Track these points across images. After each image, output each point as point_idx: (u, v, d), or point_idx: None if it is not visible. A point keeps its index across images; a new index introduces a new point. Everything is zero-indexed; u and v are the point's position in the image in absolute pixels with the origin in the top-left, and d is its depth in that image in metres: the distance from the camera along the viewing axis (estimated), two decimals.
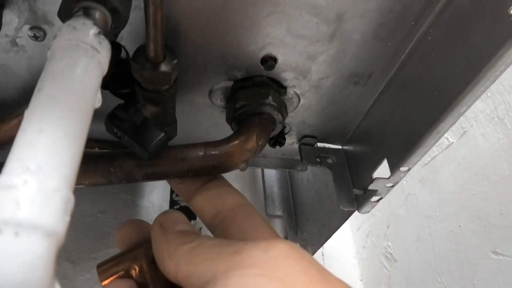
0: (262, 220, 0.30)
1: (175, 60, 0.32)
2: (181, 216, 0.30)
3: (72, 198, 0.19)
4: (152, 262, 0.29)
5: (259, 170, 0.69)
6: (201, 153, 0.35)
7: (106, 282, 0.29)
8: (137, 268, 0.30)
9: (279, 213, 0.62)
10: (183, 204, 0.59)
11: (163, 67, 0.31)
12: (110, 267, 0.30)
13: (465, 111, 0.30)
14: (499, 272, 0.45)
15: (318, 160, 0.46)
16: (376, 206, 0.43)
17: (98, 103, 0.25)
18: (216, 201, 0.32)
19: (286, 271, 0.21)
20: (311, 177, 0.57)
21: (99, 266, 0.30)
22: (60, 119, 0.20)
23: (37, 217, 0.17)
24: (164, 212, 0.30)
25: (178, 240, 0.26)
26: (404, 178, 0.39)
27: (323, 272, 0.22)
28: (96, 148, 0.42)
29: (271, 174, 0.67)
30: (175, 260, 0.25)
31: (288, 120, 0.44)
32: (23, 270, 0.16)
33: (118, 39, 0.34)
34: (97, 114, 0.42)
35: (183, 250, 0.25)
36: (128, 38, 0.34)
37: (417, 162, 0.35)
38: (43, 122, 0.20)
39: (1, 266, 0.16)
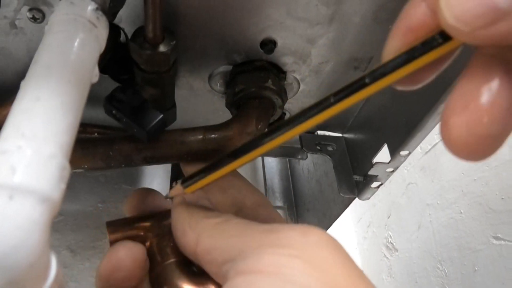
0: (284, 221, 0.29)
1: (174, 42, 0.32)
2: (203, 193, 0.29)
3: (68, 166, 0.19)
4: (165, 234, 0.28)
5: (259, 161, 0.69)
6: (200, 137, 0.35)
7: (114, 238, 0.28)
8: (150, 235, 0.29)
9: (280, 204, 0.62)
10: None
11: (162, 48, 0.31)
12: (122, 228, 0.29)
13: None
14: (500, 257, 0.45)
15: (318, 147, 0.46)
16: (376, 196, 0.43)
17: (95, 78, 0.25)
18: (237, 198, 0.30)
19: (326, 259, 0.20)
20: (312, 166, 0.57)
21: (109, 225, 0.29)
22: (56, 88, 0.20)
23: (32, 182, 0.17)
24: (184, 181, 0.29)
25: (201, 213, 0.25)
26: (405, 167, 0.39)
27: (358, 269, 0.21)
28: (96, 134, 0.42)
29: (272, 165, 0.67)
30: (197, 232, 0.24)
31: (288, 106, 0.44)
32: (17, 233, 0.16)
33: (117, 21, 0.34)
34: (96, 99, 0.42)
35: (207, 223, 0.24)
36: (127, 20, 0.34)
37: (418, 145, 0.35)
38: (39, 90, 0.20)
39: None
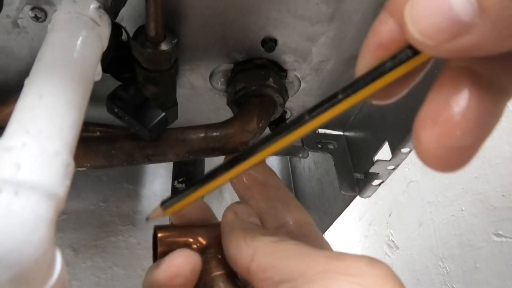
0: (327, 243, 0.29)
1: (176, 40, 0.32)
2: (253, 211, 0.29)
3: (72, 163, 0.19)
4: (214, 244, 0.28)
5: None
6: (202, 135, 0.36)
7: (164, 244, 0.28)
8: (199, 245, 0.28)
9: None
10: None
11: (163, 46, 0.31)
12: (172, 235, 0.28)
13: None
14: (501, 254, 0.45)
15: (319, 145, 0.46)
16: (377, 195, 0.43)
17: (98, 76, 0.25)
18: (280, 212, 0.29)
19: None
20: (313, 165, 0.57)
21: (159, 228, 0.28)
22: (60, 86, 0.20)
23: (37, 178, 0.17)
24: (237, 202, 0.29)
25: (256, 230, 0.25)
26: (406, 165, 0.39)
27: None
28: (98, 132, 0.42)
29: (273, 164, 0.67)
30: (253, 248, 0.23)
31: (288, 105, 0.44)
32: (23, 229, 0.16)
33: (119, 20, 0.34)
34: (98, 98, 0.42)
35: (264, 241, 0.24)
36: (129, 19, 0.34)
37: None
38: (43, 88, 0.20)
39: (0, 224, 0.16)
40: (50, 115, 0.19)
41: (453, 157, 0.15)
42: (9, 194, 0.16)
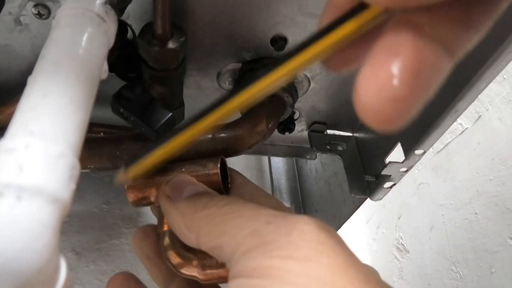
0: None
1: (183, 38, 0.31)
2: (185, 178, 0.29)
3: (77, 165, 0.18)
4: None
5: (266, 161, 0.68)
6: (210, 136, 0.34)
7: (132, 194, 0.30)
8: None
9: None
10: None
11: (171, 44, 0.30)
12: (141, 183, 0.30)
13: (484, 87, 0.29)
14: None
15: (328, 147, 0.45)
16: (386, 197, 0.42)
17: (104, 74, 0.24)
18: None
19: (311, 251, 0.20)
20: (320, 167, 0.56)
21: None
22: (64, 85, 0.19)
23: (41, 182, 0.16)
24: (167, 182, 0.28)
25: (191, 209, 0.25)
26: (416, 167, 0.38)
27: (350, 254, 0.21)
28: (102, 133, 0.41)
29: (279, 166, 0.66)
30: (195, 231, 0.24)
31: (297, 105, 0.43)
32: (24, 236, 0.15)
33: (124, 18, 0.33)
34: (102, 98, 0.41)
35: (200, 220, 0.24)
36: (134, 16, 0.33)
37: (433, 144, 0.34)
38: (47, 87, 0.19)
39: (2, 231, 0.15)
40: (54, 115, 0.18)
41: (388, 109, 0.14)
42: (11, 198, 0.15)
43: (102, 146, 0.35)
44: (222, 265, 0.26)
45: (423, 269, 0.60)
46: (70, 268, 0.53)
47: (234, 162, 0.69)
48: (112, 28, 0.24)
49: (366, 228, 0.78)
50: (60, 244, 0.17)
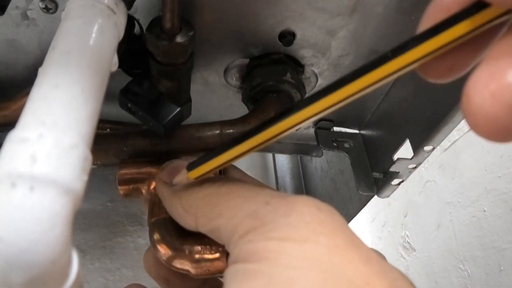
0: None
1: (192, 32, 0.30)
2: (180, 162, 0.29)
3: (90, 157, 0.18)
4: None
5: (271, 159, 0.68)
6: (217, 132, 0.34)
7: (122, 177, 0.31)
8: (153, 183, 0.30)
9: None
10: None
11: (179, 39, 0.30)
12: (131, 168, 0.31)
13: None
14: None
15: (335, 144, 0.44)
16: (392, 195, 0.42)
17: (114, 67, 0.24)
18: None
19: (309, 232, 0.19)
20: (325, 164, 0.56)
21: (121, 163, 0.32)
22: (76, 75, 0.19)
23: (54, 172, 0.16)
24: (163, 167, 0.28)
25: (188, 190, 0.24)
26: (423, 164, 0.38)
27: (350, 236, 0.20)
28: (108, 130, 0.41)
29: (283, 164, 0.66)
30: (193, 212, 0.23)
31: None
32: (38, 227, 0.15)
33: (132, 12, 0.32)
34: (108, 94, 0.41)
35: (197, 201, 0.24)
36: (142, 11, 0.33)
37: (443, 140, 0.34)
38: (58, 78, 0.19)
39: (15, 221, 0.15)
40: (67, 106, 0.18)
41: (506, 118, 0.13)
42: (24, 189, 0.15)
43: (108, 142, 0.35)
44: (218, 258, 0.26)
45: (430, 268, 0.60)
46: None
47: (239, 161, 0.69)
48: (122, 20, 0.24)
49: (371, 226, 0.78)
50: (72, 237, 0.17)
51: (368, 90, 0.17)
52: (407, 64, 0.15)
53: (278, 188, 0.64)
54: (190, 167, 0.24)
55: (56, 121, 0.17)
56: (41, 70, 0.19)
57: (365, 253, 0.20)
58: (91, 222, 0.51)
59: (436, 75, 0.16)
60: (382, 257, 0.23)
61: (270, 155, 0.68)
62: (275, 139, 0.21)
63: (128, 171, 0.30)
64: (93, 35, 0.21)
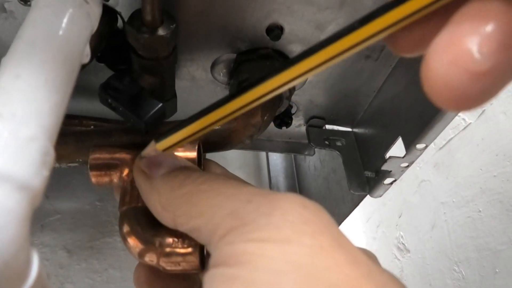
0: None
1: (174, 25, 0.29)
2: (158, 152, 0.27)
3: (51, 151, 0.17)
4: None
5: (264, 159, 0.67)
6: None
7: (94, 162, 0.29)
8: (126, 170, 0.28)
9: None
10: None
11: (161, 32, 0.29)
12: (104, 153, 0.29)
13: None
14: None
15: (326, 142, 0.43)
16: (386, 195, 0.41)
17: (86, 58, 0.22)
18: None
19: (292, 232, 0.18)
20: (319, 164, 0.55)
21: (93, 147, 0.30)
22: (40, 66, 0.18)
23: (8, 166, 0.15)
24: (141, 157, 0.27)
25: (167, 186, 0.23)
26: (417, 164, 0.37)
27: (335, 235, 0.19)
28: (92, 127, 0.40)
29: (277, 163, 0.65)
30: (171, 210, 0.22)
31: (295, 99, 0.42)
32: None
33: (113, 4, 0.31)
34: (92, 90, 0.39)
35: (176, 199, 0.22)
36: (124, 3, 0.32)
37: (435, 137, 0.33)
38: (20, 68, 0.18)
39: None
40: (27, 97, 0.17)
41: (466, 84, 0.12)
42: None
43: (91, 139, 0.34)
44: (190, 253, 0.24)
45: (424, 269, 0.59)
46: (61, 266, 0.51)
47: (232, 159, 0.68)
48: (95, 10, 0.23)
49: (365, 227, 0.77)
50: (30, 236, 0.16)
51: (335, 60, 0.16)
52: (374, 33, 0.15)
53: (271, 187, 0.63)
54: (158, 138, 0.23)
55: (14, 113, 0.16)
56: (3, 60, 0.18)
57: (352, 255, 0.19)
58: (78, 222, 0.50)
59: (405, 48, 0.16)
60: (372, 258, 0.21)
61: (263, 154, 0.67)
62: (245, 109, 0.20)
63: (101, 156, 0.29)
64: (62, 25, 0.20)
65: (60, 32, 0.20)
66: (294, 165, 0.65)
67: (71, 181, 0.52)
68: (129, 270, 0.46)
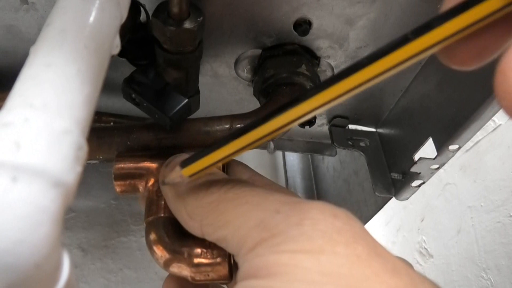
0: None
1: (201, 18, 0.28)
2: (184, 158, 0.27)
3: (85, 146, 0.16)
4: None
5: (280, 159, 0.66)
6: (227, 126, 0.32)
7: (118, 172, 0.29)
8: (152, 179, 0.29)
9: None
10: None
11: (187, 24, 0.28)
12: (128, 162, 0.29)
13: None
14: None
15: (350, 142, 0.42)
16: (408, 198, 0.39)
17: (116, 49, 0.21)
18: None
19: (325, 242, 0.17)
20: (338, 165, 0.54)
21: (118, 156, 0.30)
22: (71, 54, 0.17)
23: (42, 161, 0.14)
24: (168, 163, 0.26)
25: (193, 195, 0.23)
26: (442, 166, 0.36)
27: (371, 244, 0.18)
28: (112, 123, 0.39)
29: (293, 164, 0.63)
30: (198, 219, 0.22)
31: None
32: (20, 224, 0.13)
33: None
34: (112, 86, 0.38)
35: (202, 208, 0.22)
36: None
37: (470, 138, 0.32)
38: (51, 56, 0.17)
39: None
40: (59, 87, 0.16)
41: None
42: (5, 180, 0.13)
43: (112, 136, 0.33)
44: (219, 263, 0.24)
45: (448, 276, 0.57)
46: (75, 265, 0.50)
47: (248, 159, 0.67)
48: (125, 0, 0.22)
49: (385, 230, 0.75)
50: (62, 237, 0.15)
51: (385, 76, 0.15)
52: (429, 46, 0.13)
53: (287, 189, 0.62)
54: (184, 164, 0.22)
55: (46, 104, 0.15)
56: (32, 49, 0.17)
57: (391, 263, 0.18)
58: (93, 221, 0.49)
59: (462, 60, 0.14)
60: (410, 266, 0.20)
61: (280, 155, 0.66)
62: (277, 133, 0.19)
63: (125, 165, 0.29)
64: (93, 12, 0.19)
65: (91, 20, 0.19)
66: (311, 166, 0.63)
67: (86, 180, 0.51)
68: (145, 271, 0.45)
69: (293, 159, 0.64)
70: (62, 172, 0.14)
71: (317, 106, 0.17)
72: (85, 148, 0.16)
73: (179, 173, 0.22)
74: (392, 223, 0.73)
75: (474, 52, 0.14)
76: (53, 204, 0.14)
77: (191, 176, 0.22)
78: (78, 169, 0.15)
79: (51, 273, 0.14)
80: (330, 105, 0.17)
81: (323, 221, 0.18)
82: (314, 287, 0.16)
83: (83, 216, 0.49)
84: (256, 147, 0.21)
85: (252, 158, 0.64)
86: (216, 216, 0.21)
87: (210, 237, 0.22)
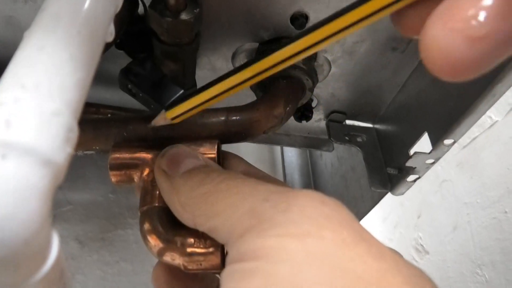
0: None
1: (198, 9, 0.29)
2: (182, 149, 0.27)
3: (75, 128, 0.16)
4: None
5: (279, 155, 0.66)
6: (223, 118, 0.32)
7: (113, 162, 0.28)
8: (147, 169, 0.28)
9: None
10: None
11: (184, 16, 0.28)
12: (124, 152, 0.29)
13: None
14: None
15: (347, 138, 0.42)
16: (405, 195, 0.40)
17: (110, 37, 0.22)
18: None
19: (312, 226, 0.18)
20: (336, 161, 0.54)
21: (114, 146, 0.29)
22: (65, 39, 0.17)
23: (31, 139, 0.14)
24: (163, 153, 0.26)
25: (187, 186, 0.23)
26: (439, 163, 0.36)
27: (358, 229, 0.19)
28: (109, 115, 0.39)
29: (292, 160, 0.64)
30: (190, 210, 0.22)
31: (316, 92, 0.41)
32: (10, 200, 0.13)
33: None
34: (110, 79, 0.39)
35: (195, 198, 0.22)
36: None
37: (465, 133, 0.32)
38: (45, 40, 0.17)
39: None
40: (51, 69, 0.16)
41: (463, 51, 0.12)
42: None
43: (109, 127, 0.33)
44: (211, 252, 0.24)
45: (444, 272, 0.57)
46: (72, 257, 0.51)
47: (246, 155, 0.67)
48: None
49: (382, 227, 0.75)
50: (51, 215, 0.15)
51: (344, 33, 0.18)
52: (381, 7, 0.15)
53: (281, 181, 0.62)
54: (169, 107, 0.23)
55: (37, 84, 0.15)
56: (26, 33, 0.18)
57: (375, 247, 0.18)
58: (90, 213, 0.50)
59: (410, 26, 0.16)
60: (397, 254, 0.20)
61: (278, 151, 0.66)
62: (258, 77, 0.20)
63: (121, 155, 0.29)
64: None
65: (85, 6, 0.19)
66: (309, 162, 0.64)
67: (84, 172, 0.51)
68: (141, 264, 0.45)
69: (292, 155, 0.64)
70: (51, 151, 0.14)
71: (296, 52, 0.19)
72: (75, 130, 0.16)
73: (164, 115, 0.24)
74: (389, 220, 0.73)
75: (419, 19, 0.15)
76: (41, 181, 0.14)
77: (174, 118, 0.23)
78: (68, 150, 0.15)
79: (40, 250, 0.15)
80: (308, 51, 0.19)
81: (311, 207, 0.19)
82: (298, 267, 0.16)
83: (81, 209, 0.50)
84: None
85: (251, 154, 0.64)
86: (208, 207, 0.21)
87: (202, 228, 0.22)
